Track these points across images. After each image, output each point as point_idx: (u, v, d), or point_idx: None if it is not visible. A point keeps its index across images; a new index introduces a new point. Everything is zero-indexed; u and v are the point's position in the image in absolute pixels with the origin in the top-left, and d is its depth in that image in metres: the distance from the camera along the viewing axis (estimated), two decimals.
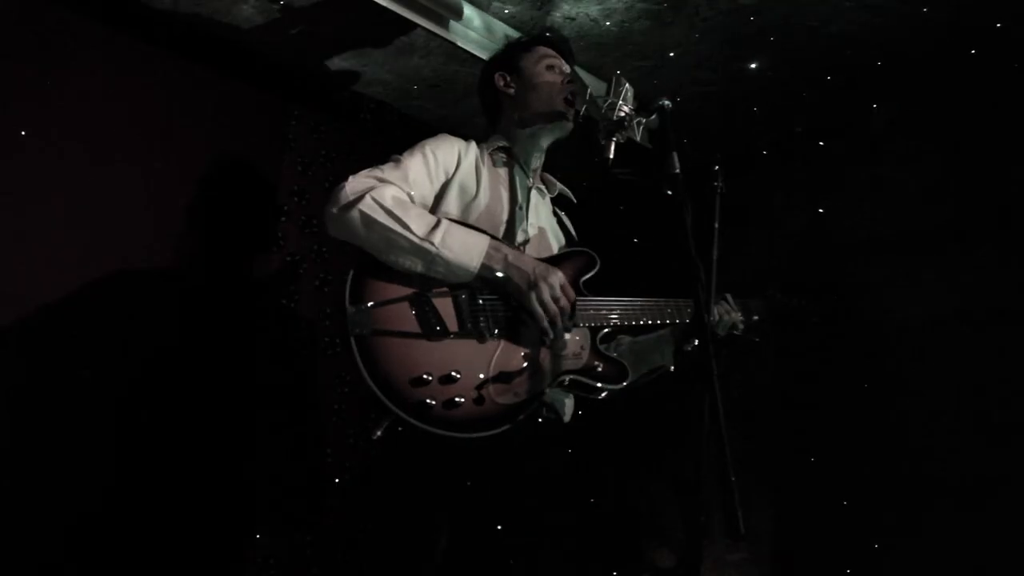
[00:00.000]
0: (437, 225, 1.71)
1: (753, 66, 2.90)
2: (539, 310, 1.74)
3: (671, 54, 2.86)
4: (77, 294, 2.37)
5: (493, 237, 1.80)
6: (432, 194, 1.89)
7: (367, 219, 1.68)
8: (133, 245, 2.51)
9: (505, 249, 1.78)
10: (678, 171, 1.58)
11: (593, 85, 2.86)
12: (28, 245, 2.30)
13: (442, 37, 2.69)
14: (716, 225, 1.69)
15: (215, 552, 2.55)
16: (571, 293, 1.79)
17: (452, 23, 2.68)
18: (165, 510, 2.39)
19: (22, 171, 2.32)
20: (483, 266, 1.73)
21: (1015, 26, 2.58)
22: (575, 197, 2.25)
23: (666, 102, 1.67)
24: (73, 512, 2.25)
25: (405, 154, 1.89)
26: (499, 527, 1.75)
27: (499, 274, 1.74)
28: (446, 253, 1.69)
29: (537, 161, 2.14)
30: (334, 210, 1.71)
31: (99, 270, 2.42)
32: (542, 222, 2.07)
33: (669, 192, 1.57)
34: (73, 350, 2.33)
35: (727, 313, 2.08)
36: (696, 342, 1.43)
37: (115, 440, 2.36)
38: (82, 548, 2.25)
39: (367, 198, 1.69)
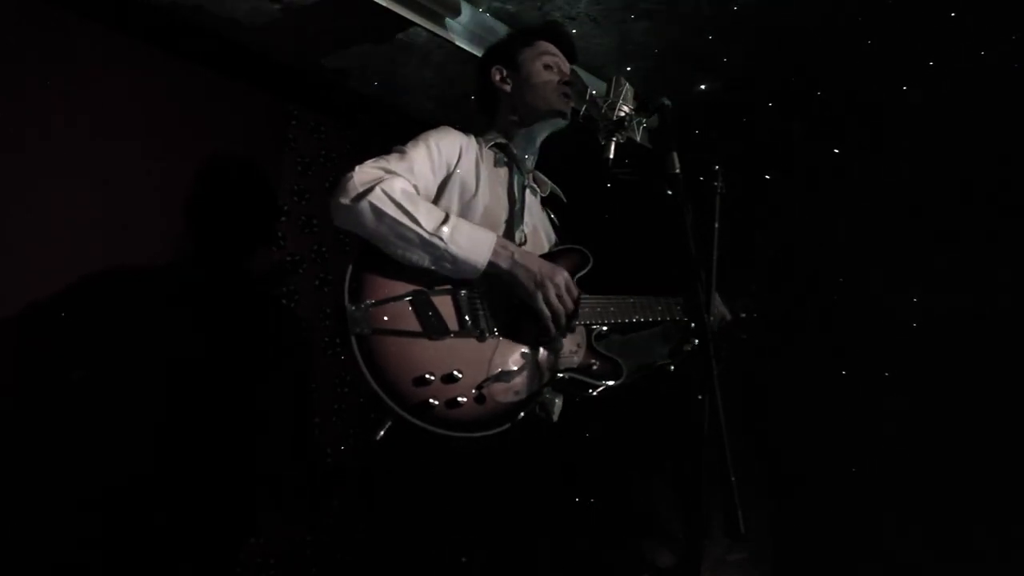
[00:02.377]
0: (446, 220, 1.71)
1: (753, 66, 2.90)
2: (545, 309, 1.74)
3: (671, 54, 2.86)
4: (75, 294, 2.36)
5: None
6: (435, 187, 1.88)
7: (377, 211, 1.66)
8: (132, 245, 2.51)
9: (511, 247, 1.78)
10: (678, 171, 1.58)
11: (593, 85, 2.86)
12: (26, 245, 2.30)
13: (441, 36, 2.69)
14: (716, 225, 1.69)
15: (215, 552, 2.55)
16: (575, 293, 1.79)
17: (450, 22, 2.68)
18: (164, 510, 2.39)
19: (20, 171, 2.31)
20: (490, 263, 1.73)
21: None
22: (565, 196, 2.25)
23: (666, 102, 1.67)
24: (72, 513, 2.25)
25: (409, 145, 1.88)
26: (498, 528, 1.75)
27: (505, 272, 1.74)
28: (454, 249, 1.69)
29: (531, 159, 2.14)
30: (344, 201, 1.69)
31: (97, 270, 2.42)
32: (535, 221, 2.07)
33: (669, 192, 1.57)
34: (71, 350, 2.33)
35: (715, 307, 2.09)
36: (696, 342, 1.43)
37: (112, 441, 2.36)
38: (81, 548, 2.25)
39: (377, 190, 1.67)
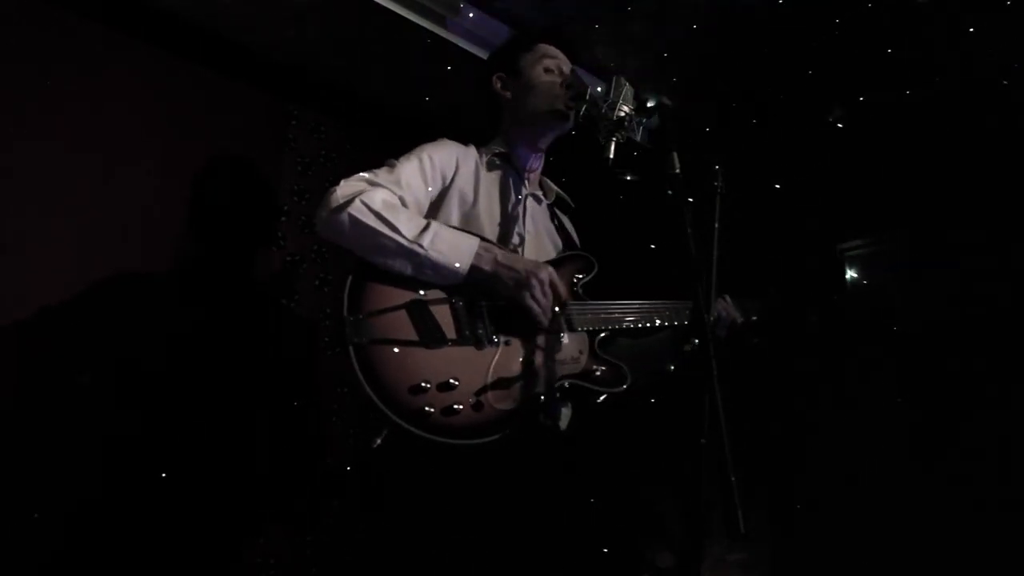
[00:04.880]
0: (426, 228, 1.71)
1: (752, 66, 2.90)
2: (533, 305, 1.74)
3: (671, 54, 2.86)
4: (76, 295, 2.37)
5: (484, 239, 1.79)
6: (427, 198, 1.88)
7: (355, 222, 1.67)
8: (133, 245, 2.51)
9: (495, 250, 1.77)
10: (678, 171, 1.58)
11: (593, 85, 2.87)
12: (26, 245, 2.30)
13: (441, 36, 2.69)
14: (716, 225, 1.69)
15: (215, 552, 2.55)
16: (561, 286, 1.78)
17: (450, 21, 2.68)
18: (165, 510, 2.39)
19: (21, 171, 2.32)
20: (472, 267, 1.72)
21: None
22: (572, 201, 2.24)
23: (666, 101, 1.67)
24: (73, 513, 2.25)
25: (401, 158, 1.88)
26: (498, 529, 1.75)
27: (489, 274, 1.74)
28: (435, 255, 1.69)
29: (535, 165, 2.13)
30: (324, 213, 1.71)
31: (98, 270, 2.42)
32: (539, 228, 2.06)
33: (669, 192, 1.56)
34: (71, 351, 2.33)
35: (725, 310, 2.08)
36: (696, 342, 1.43)
37: (114, 441, 2.36)
38: (82, 549, 2.25)
39: (356, 201, 1.68)
